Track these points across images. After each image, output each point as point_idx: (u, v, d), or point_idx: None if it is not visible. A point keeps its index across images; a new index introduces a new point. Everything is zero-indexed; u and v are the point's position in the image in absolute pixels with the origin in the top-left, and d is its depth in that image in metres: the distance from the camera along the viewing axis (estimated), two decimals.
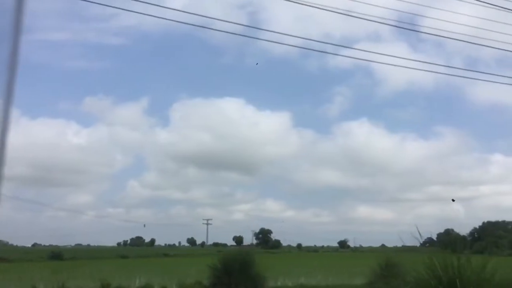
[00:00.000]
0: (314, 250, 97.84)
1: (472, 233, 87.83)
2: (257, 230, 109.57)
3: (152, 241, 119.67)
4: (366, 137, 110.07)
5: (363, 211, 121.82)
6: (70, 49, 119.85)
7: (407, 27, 14.96)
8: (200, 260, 25.59)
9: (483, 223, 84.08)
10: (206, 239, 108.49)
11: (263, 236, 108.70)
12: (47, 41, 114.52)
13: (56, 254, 53.28)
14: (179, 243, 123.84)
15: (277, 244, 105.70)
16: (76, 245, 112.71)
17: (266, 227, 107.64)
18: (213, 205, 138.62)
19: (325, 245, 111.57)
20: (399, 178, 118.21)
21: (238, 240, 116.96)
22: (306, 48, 14.70)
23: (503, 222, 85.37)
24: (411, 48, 78.31)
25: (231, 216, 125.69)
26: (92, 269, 25.62)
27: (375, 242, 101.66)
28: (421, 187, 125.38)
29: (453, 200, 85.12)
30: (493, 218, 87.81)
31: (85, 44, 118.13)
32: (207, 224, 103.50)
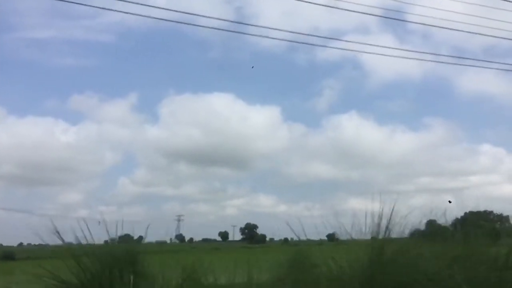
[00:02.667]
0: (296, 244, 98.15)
1: (454, 224, 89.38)
2: (243, 225, 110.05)
3: (140, 238, 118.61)
4: (356, 129, 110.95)
5: (354, 203, 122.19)
6: (56, 47, 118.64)
7: (394, 17, 15.18)
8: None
9: (465, 213, 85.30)
10: (179, 235, 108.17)
11: (249, 231, 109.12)
12: (33, 39, 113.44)
13: (8, 254, 53.23)
14: (171, 239, 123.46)
15: (262, 238, 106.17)
16: (67, 243, 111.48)
17: (260, 221, 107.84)
18: (205, 201, 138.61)
19: (317, 238, 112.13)
20: (390, 170, 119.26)
21: (223, 235, 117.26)
22: (295, 41, 14.84)
23: (485, 211, 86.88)
24: (398, 40, 79.05)
25: (223, 211, 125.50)
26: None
27: (366, 234, 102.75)
28: (411, 179, 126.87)
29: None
30: (484, 208, 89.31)
31: (72, 42, 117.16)
32: (179, 220, 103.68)
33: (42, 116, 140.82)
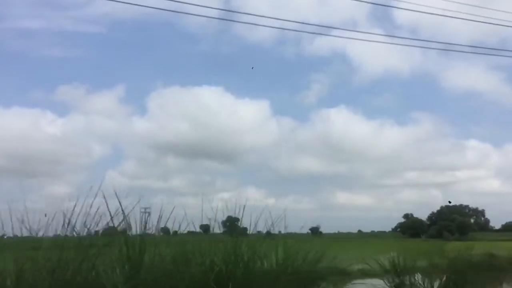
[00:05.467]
0: (272, 237, 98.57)
1: (430, 217, 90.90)
2: (224, 218, 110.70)
3: (124, 230, 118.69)
4: (344, 124, 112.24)
5: (342, 197, 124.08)
6: (44, 37, 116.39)
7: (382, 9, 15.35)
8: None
9: (441, 207, 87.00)
10: (144, 229, 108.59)
11: (230, 224, 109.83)
12: (21, 30, 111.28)
13: None
14: (159, 232, 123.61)
15: (243, 232, 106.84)
16: (54, 235, 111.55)
17: (246, 214, 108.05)
18: (194, 194, 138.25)
19: (304, 232, 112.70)
20: (377, 164, 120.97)
21: (205, 228, 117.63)
22: (285, 28, 15.11)
23: (460, 206, 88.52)
24: (386, 35, 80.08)
25: (212, 205, 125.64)
26: None
27: (353, 228, 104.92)
28: (398, 173, 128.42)
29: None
30: (469, 203, 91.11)
31: (60, 32, 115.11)
32: (145, 212, 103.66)
33: (28, 107, 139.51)
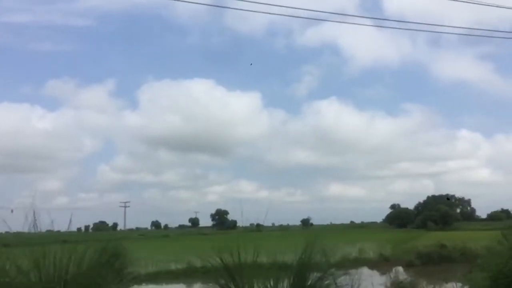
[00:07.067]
0: (259, 229, 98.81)
1: (417, 207, 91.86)
2: (213, 211, 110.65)
3: (115, 225, 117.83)
4: (336, 115, 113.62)
5: (335, 189, 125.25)
6: (34, 31, 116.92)
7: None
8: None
9: (428, 197, 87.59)
10: (124, 223, 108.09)
11: (219, 217, 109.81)
12: (10, 24, 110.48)
13: None
14: (152, 226, 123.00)
15: (233, 225, 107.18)
16: (47, 231, 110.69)
17: (244, 208, 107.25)
18: (186, 188, 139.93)
19: (297, 224, 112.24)
20: (369, 156, 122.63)
21: (194, 221, 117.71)
22: (276, 14, 15.11)
23: (446, 195, 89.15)
24: (375, 25, 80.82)
25: (205, 198, 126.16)
26: None
27: (345, 219, 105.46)
28: (390, 164, 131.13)
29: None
30: (460, 192, 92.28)
31: (50, 26, 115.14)
32: (125, 207, 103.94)
33: (18, 102, 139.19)
